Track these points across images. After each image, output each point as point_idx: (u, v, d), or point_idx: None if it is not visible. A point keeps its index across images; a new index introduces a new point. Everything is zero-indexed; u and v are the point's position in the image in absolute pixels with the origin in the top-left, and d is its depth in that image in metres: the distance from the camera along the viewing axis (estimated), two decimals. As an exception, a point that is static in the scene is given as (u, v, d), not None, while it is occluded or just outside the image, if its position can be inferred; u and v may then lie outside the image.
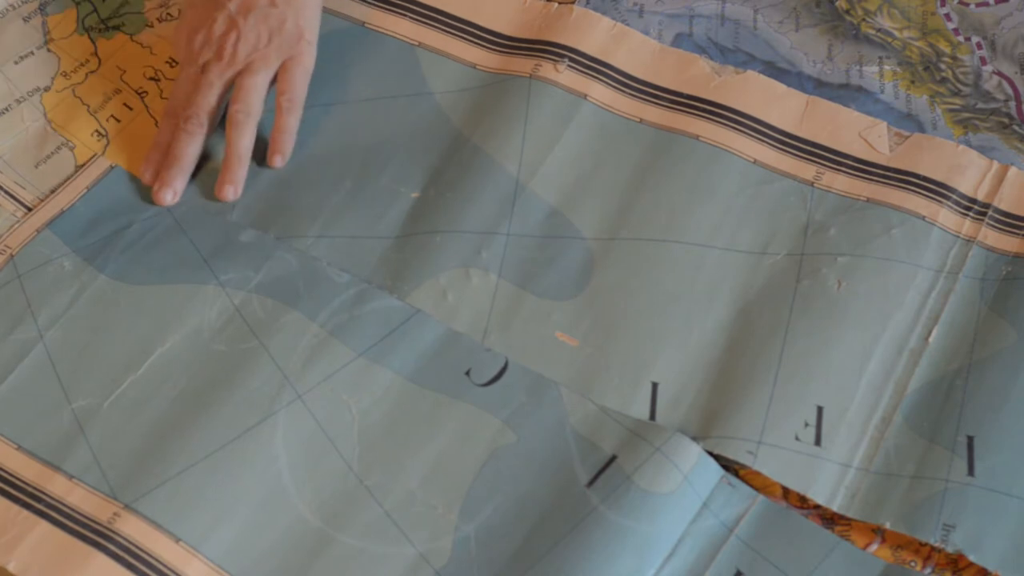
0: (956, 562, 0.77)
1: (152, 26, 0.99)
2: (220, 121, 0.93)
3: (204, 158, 0.93)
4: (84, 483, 0.78)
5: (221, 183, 0.91)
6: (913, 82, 0.96)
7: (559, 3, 0.99)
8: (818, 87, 0.96)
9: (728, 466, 0.80)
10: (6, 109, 0.95)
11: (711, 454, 0.79)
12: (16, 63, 0.97)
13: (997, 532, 0.76)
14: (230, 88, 0.92)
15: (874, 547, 0.78)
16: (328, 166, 0.92)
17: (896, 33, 0.99)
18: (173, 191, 0.90)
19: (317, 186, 0.91)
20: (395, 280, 0.87)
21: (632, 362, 0.83)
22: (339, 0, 1.00)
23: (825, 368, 0.82)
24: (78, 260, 0.87)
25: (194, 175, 0.92)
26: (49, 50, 0.98)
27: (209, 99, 0.91)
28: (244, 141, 0.91)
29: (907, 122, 0.94)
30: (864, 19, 1.00)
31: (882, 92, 0.96)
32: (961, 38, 0.99)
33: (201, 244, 0.88)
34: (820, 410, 0.81)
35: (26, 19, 0.99)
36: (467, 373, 0.83)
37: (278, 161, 0.92)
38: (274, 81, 0.93)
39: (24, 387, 0.82)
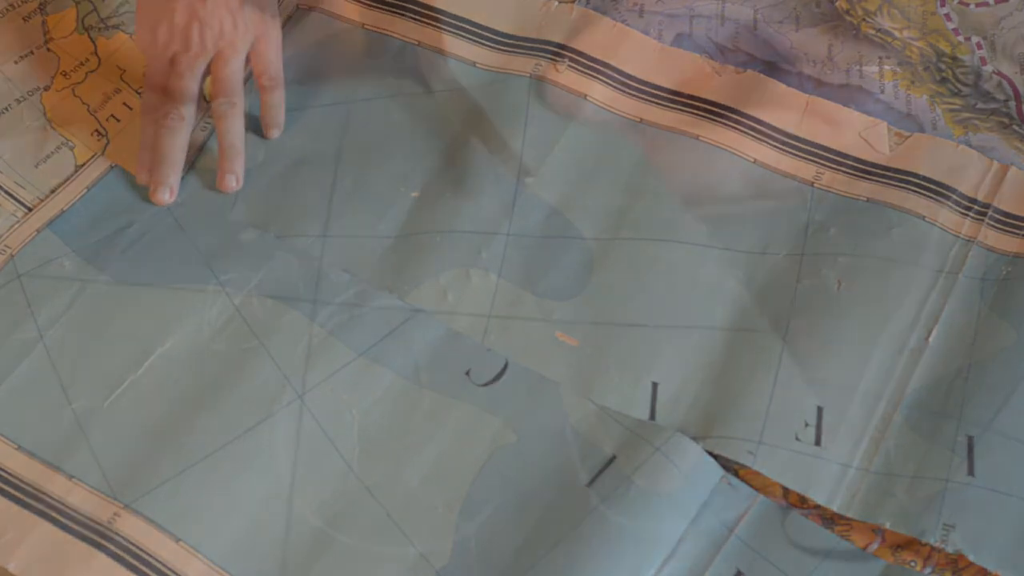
0: (956, 562, 0.77)
1: (152, 26, 0.99)
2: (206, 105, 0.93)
3: (200, 154, 0.93)
4: (84, 483, 0.78)
5: (222, 174, 0.91)
6: (913, 82, 0.96)
7: (559, 2, 0.99)
8: (818, 87, 0.96)
9: (728, 466, 0.80)
10: (6, 109, 0.94)
11: (711, 454, 0.79)
12: (16, 63, 0.96)
13: (997, 532, 0.76)
14: (204, 74, 0.92)
15: (874, 547, 0.78)
16: (328, 166, 0.92)
17: (896, 33, 0.99)
18: (168, 188, 0.90)
19: (317, 186, 0.91)
20: (395, 280, 0.87)
21: (632, 362, 0.83)
22: (338, 2, 1.00)
23: (825, 368, 0.82)
24: (78, 260, 0.87)
25: (193, 172, 0.92)
26: (49, 49, 0.97)
27: (184, 91, 0.91)
28: (234, 131, 0.91)
29: (907, 122, 0.94)
30: (864, 19, 1.00)
31: (882, 92, 0.96)
32: (961, 38, 0.99)
33: (201, 244, 0.88)
34: (820, 410, 0.81)
35: (26, 19, 0.99)
36: (467, 373, 0.83)
37: (274, 133, 0.93)
38: (249, 60, 0.92)
39: (24, 387, 0.82)
